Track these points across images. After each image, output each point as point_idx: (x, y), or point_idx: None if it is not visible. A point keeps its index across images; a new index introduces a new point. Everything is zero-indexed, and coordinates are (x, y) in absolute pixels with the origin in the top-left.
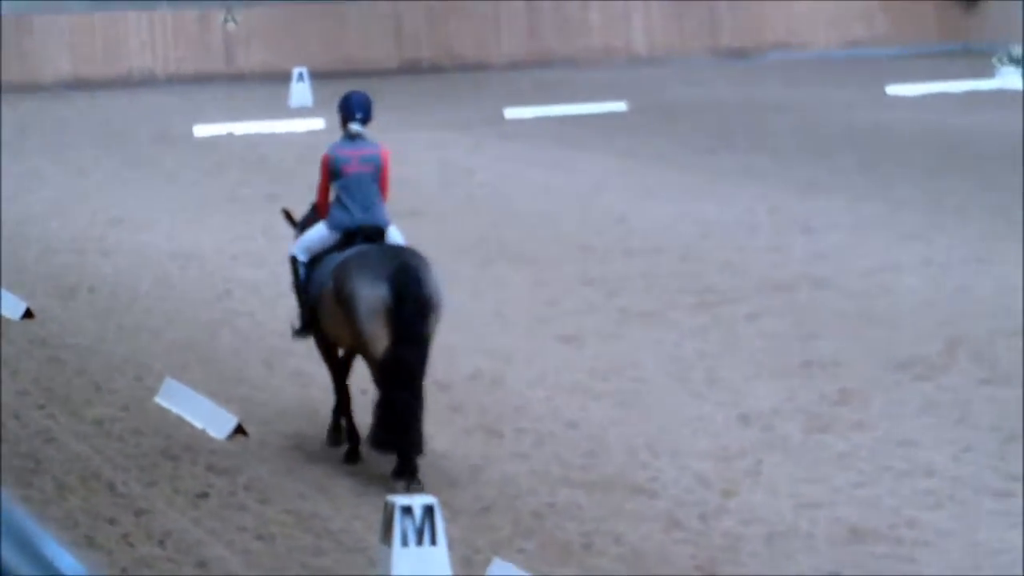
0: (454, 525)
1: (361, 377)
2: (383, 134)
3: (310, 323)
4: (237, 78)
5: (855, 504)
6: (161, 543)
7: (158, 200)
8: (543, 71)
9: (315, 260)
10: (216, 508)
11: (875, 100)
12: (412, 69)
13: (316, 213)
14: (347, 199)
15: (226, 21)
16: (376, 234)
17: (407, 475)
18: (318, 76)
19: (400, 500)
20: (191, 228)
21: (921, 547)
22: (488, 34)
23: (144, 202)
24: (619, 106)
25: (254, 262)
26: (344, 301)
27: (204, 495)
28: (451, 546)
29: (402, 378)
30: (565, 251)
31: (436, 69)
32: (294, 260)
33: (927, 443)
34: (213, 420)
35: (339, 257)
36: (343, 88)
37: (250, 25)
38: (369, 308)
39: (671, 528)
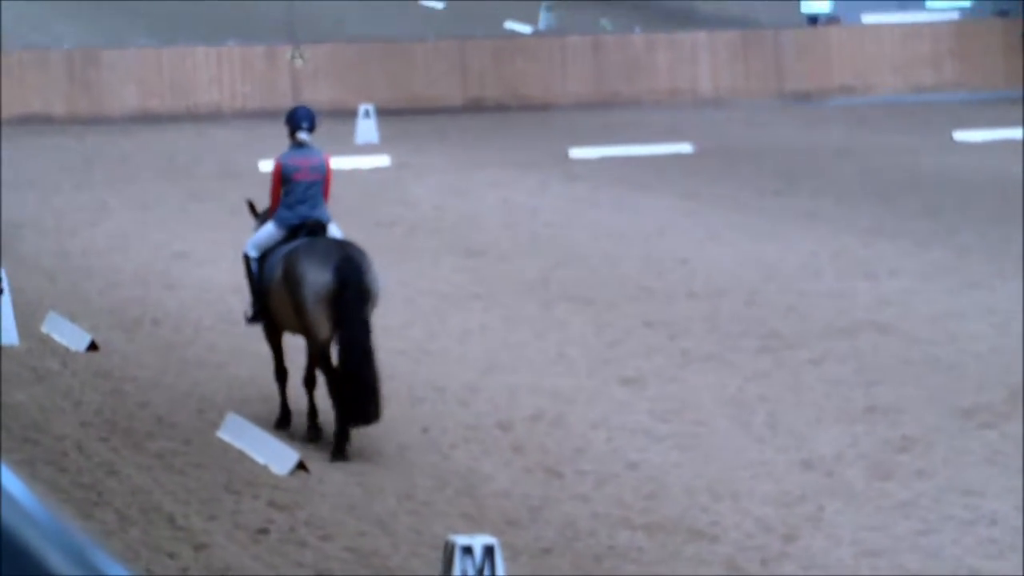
0: (514, 565)
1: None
2: (447, 173)
3: (261, 312)
4: None
5: (917, 553)
6: None
7: (222, 234)
8: (608, 111)
9: (265, 255)
10: (276, 544)
11: (941, 146)
12: (477, 107)
13: (268, 214)
14: (294, 201)
15: (293, 58)
16: (318, 228)
17: (342, 446)
18: (384, 113)
19: (460, 540)
20: None
21: None
22: (554, 74)
23: (208, 236)
24: (684, 148)
25: None
26: (292, 287)
27: (264, 531)
28: None
29: (358, 356)
30: (627, 293)
31: (501, 108)
32: (246, 257)
33: (991, 492)
34: (275, 455)
35: (286, 248)
36: (409, 125)
37: (317, 62)
38: (315, 294)
39: (732, 573)
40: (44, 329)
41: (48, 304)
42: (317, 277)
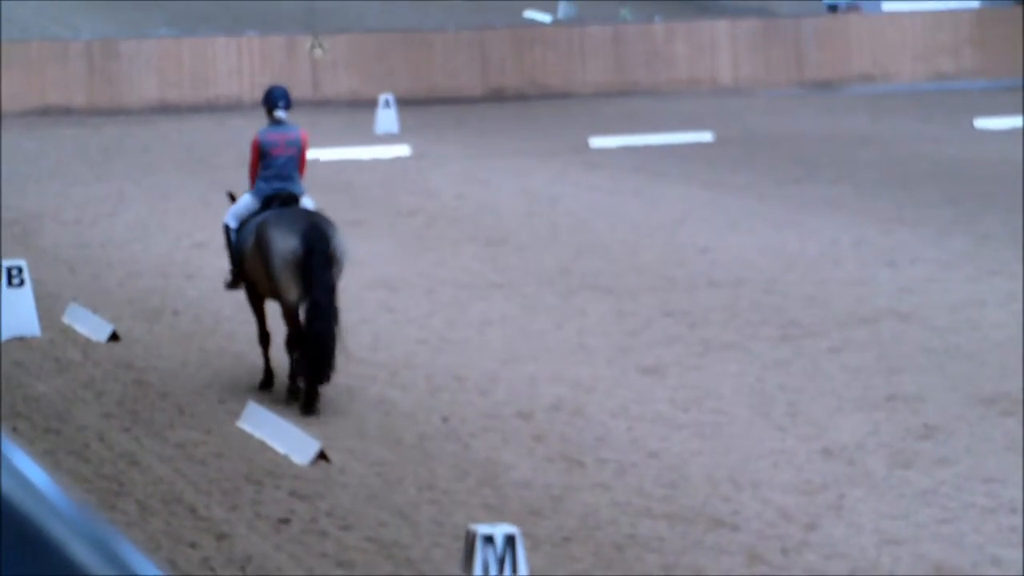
0: (535, 555)
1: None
2: (467, 162)
3: (239, 278)
4: (323, 104)
5: (939, 541)
6: (242, 568)
7: None
8: (628, 100)
9: (242, 224)
10: (297, 534)
11: (962, 133)
12: (497, 97)
13: (249, 187)
14: (270, 174)
15: (313, 48)
16: (291, 199)
17: (311, 401)
18: (404, 103)
19: (482, 529)
20: None
21: None
22: (573, 63)
23: None
24: (704, 136)
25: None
26: (262, 253)
27: (286, 520)
28: None
29: (320, 317)
30: (647, 282)
31: (521, 97)
32: (226, 227)
33: (1012, 480)
34: (296, 445)
35: (259, 218)
36: (429, 115)
37: (337, 53)
38: (282, 259)
39: (753, 562)
40: (65, 320)
41: (69, 295)
42: (285, 244)
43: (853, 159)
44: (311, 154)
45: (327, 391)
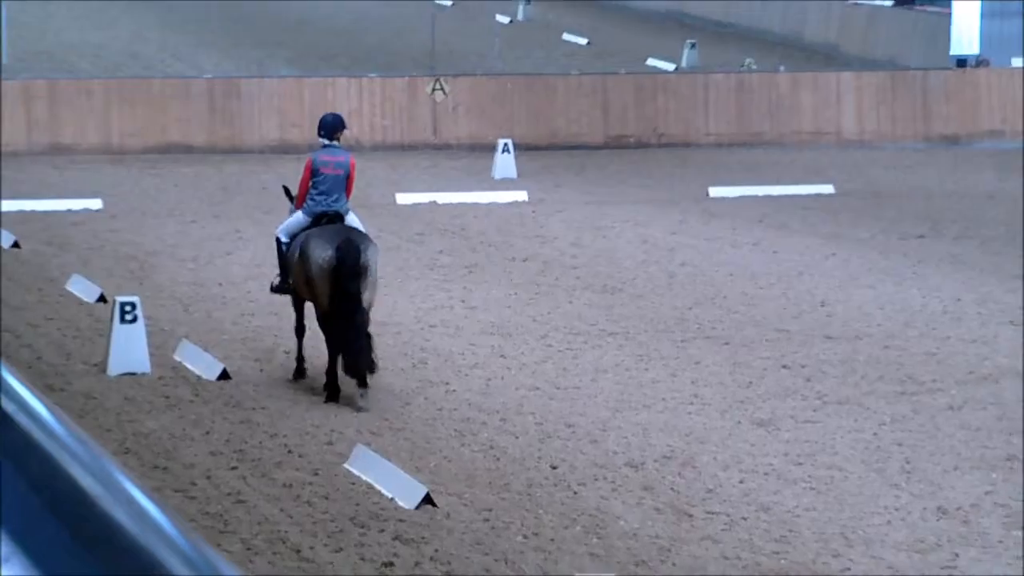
0: None
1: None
2: (585, 209)
3: (286, 285)
4: (442, 147)
5: None
6: None
7: None
8: (750, 151)
9: (292, 238)
10: None
11: None
12: (618, 145)
13: (298, 202)
14: (318, 193)
15: (434, 91)
16: (337, 218)
17: (361, 387)
18: (523, 148)
19: None
20: (389, 295)
21: None
22: (696, 112)
23: None
24: (826, 188)
25: (451, 332)
26: (303, 263)
27: (390, 564)
28: None
29: (344, 322)
30: (764, 333)
31: (642, 145)
32: (278, 240)
33: None
34: (402, 489)
35: (306, 232)
36: (548, 161)
37: (457, 95)
38: (319, 267)
39: None
40: (177, 357)
41: (182, 332)
42: (322, 254)
43: (978, 216)
44: (428, 197)
45: (436, 433)
